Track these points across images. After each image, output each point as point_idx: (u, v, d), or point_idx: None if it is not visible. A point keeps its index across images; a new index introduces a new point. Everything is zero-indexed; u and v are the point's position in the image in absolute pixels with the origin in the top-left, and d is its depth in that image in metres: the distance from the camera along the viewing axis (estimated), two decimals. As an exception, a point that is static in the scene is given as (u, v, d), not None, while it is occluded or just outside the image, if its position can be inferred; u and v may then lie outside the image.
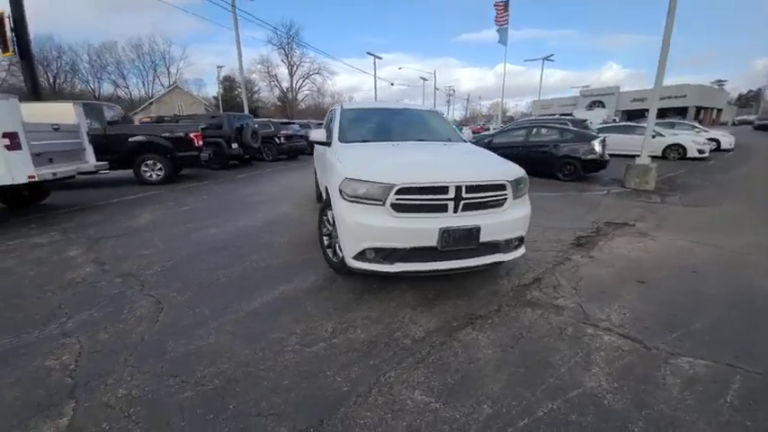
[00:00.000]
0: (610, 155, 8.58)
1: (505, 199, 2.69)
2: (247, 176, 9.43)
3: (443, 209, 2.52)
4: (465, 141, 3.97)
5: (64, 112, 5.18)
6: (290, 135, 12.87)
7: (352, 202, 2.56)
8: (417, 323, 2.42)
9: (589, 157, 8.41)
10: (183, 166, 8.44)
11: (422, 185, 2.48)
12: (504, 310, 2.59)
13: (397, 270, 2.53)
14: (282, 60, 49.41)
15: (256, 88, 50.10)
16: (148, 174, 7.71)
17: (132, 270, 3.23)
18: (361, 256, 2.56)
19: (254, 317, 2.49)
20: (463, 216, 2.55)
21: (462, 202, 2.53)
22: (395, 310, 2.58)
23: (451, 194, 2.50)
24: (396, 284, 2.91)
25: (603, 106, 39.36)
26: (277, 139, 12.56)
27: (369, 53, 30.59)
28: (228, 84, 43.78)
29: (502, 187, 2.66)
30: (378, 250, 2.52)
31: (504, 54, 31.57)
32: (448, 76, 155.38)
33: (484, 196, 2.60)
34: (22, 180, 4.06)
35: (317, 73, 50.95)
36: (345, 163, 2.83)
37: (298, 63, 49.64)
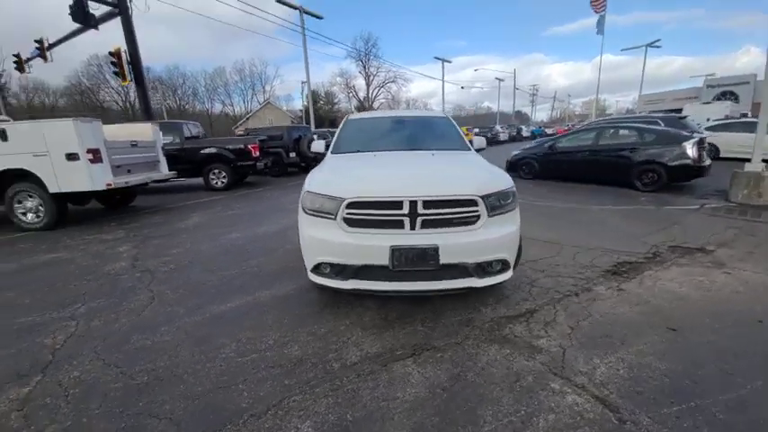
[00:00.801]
0: (729, 158, 6.82)
1: (477, 216, 2.36)
2: (297, 184, 10.08)
3: (399, 225, 2.33)
4: (468, 150, 3.62)
5: (143, 131, 6.34)
6: None
7: (309, 215, 2.54)
8: (359, 346, 2.27)
9: (677, 162, 6.90)
10: (245, 174, 9.49)
11: (373, 200, 2.34)
12: (465, 344, 2.26)
13: (350, 287, 2.42)
14: (360, 72, 52.32)
15: (336, 100, 53.96)
16: (215, 181, 8.88)
17: (152, 267, 3.75)
18: (316, 270, 2.52)
19: (217, 320, 2.64)
20: (421, 234, 2.32)
21: (419, 218, 2.30)
22: (345, 329, 2.47)
23: (406, 210, 2.30)
24: (362, 302, 2.79)
25: (736, 99, 31.48)
26: (334, 148, 13.24)
27: (437, 58, 30.21)
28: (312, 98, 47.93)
29: (471, 203, 2.34)
30: (332, 265, 2.45)
31: (601, 44, 27.71)
32: (536, 73, 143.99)
33: (447, 212, 2.33)
34: (101, 187, 5.09)
35: (393, 81, 52.55)
36: (314, 175, 2.84)
37: (374, 73, 51.97)
